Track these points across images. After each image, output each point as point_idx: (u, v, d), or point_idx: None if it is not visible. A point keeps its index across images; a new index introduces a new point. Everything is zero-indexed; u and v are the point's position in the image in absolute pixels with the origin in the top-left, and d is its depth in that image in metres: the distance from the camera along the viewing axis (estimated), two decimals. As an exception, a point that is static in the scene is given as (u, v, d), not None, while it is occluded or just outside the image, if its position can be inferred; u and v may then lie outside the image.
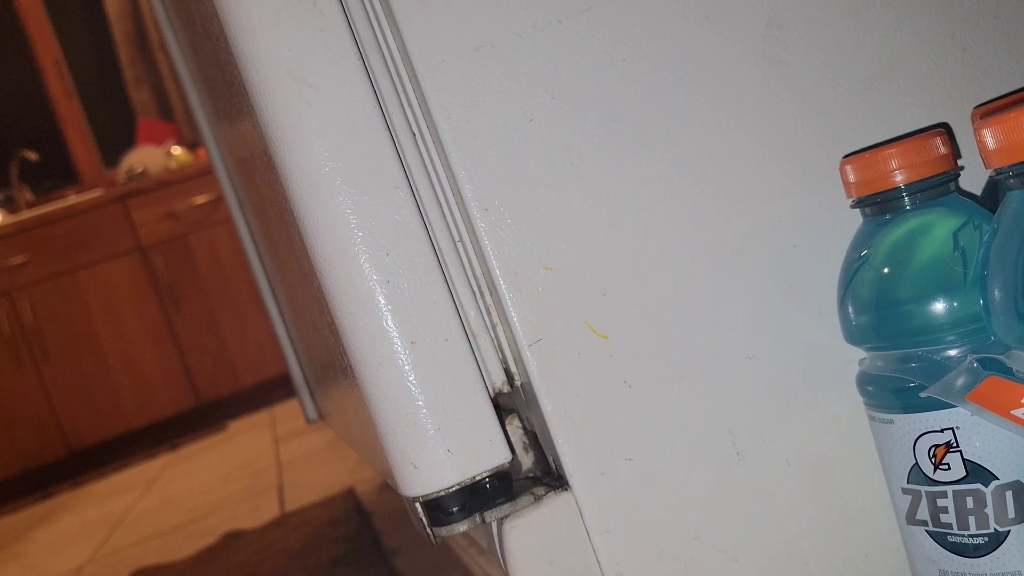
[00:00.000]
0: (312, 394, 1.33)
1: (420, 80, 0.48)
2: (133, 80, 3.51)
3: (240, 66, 0.49)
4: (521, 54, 0.49)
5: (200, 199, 3.09)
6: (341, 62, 0.47)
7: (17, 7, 3.40)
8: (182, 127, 3.49)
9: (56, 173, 3.44)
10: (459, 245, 0.50)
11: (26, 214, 3.15)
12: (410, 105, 0.49)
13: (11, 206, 3.32)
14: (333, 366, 0.71)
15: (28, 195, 3.38)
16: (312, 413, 1.34)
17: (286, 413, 2.69)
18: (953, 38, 0.54)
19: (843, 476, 0.52)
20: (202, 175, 3.08)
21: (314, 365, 1.08)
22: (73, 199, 3.17)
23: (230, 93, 0.70)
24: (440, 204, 0.50)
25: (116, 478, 2.71)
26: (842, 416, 0.52)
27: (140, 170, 3.27)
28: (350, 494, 1.43)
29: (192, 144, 3.39)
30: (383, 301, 0.47)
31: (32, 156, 3.36)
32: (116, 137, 3.47)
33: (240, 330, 3.10)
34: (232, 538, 1.46)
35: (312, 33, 0.47)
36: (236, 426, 2.90)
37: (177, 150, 3.33)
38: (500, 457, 0.49)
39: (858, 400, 0.50)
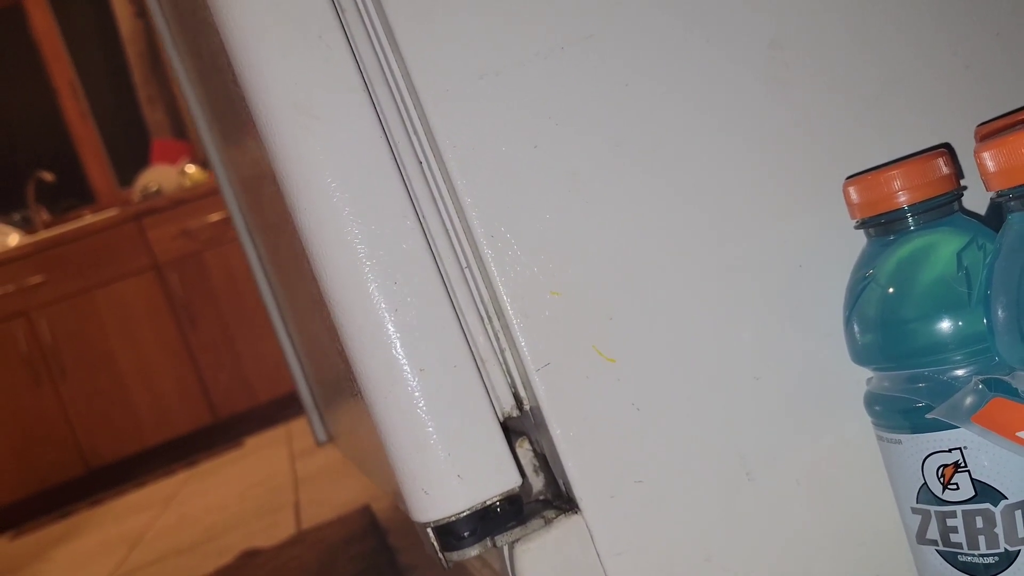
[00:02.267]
0: (321, 416, 1.33)
1: (425, 109, 0.48)
2: (147, 100, 3.54)
3: (247, 98, 0.49)
4: (525, 81, 0.49)
5: (214, 216, 3.11)
6: (347, 93, 0.48)
7: (32, 31, 3.44)
8: (196, 146, 3.52)
9: (72, 193, 3.48)
10: (466, 272, 0.51)
11: (43, 234, 3.18)
12: (416, 134, 0.50)
13: (28, 226, 3.35)
14: (343, 391, 0.72)
15: (45, 215, 3.41)
16: (322, 435, 1.34)
17: (302, 429, 2.70)
18: (956, 56, 0.54)
19: (853, 496, 0.52)
20: (216, 193, 3.09)
21: (324, 387, 1.09)
22: (89, 219, 3.20)
23: (237, 121, 0.71)
24: (447, 231, 0.50)
25: (134, 496, 2.73)
26: (851, 436, 0.52)
27: (155, 189, 3.30)
28: (366, 511, 1.43)
29: (205, 162, 3.41)
30: (392, 329, 0.48)
31: (48, 177, 3.39)
32: (131, 156, 3.50)
33: (255, 346, 3.11)
34: (249, 556, 1.46)
35: (318, 65, 0.48)
36: (253, 442, 2.91)
37: (191, 168, 3.35)
38: (510, 481, 0.49)
39: (867, 419, 0.50)
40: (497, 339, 0.51)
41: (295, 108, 0.47)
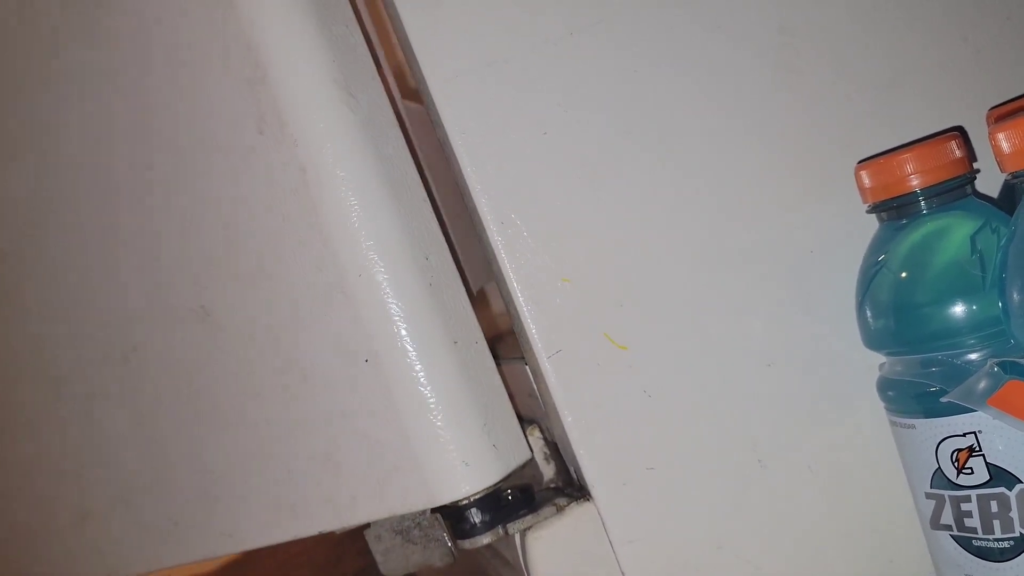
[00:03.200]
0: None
1: (433, 96, 0.48)
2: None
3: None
4: (534, 68, 0.49)
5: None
6: (372, 80, 0.48)
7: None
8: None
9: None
10: (476, 259, 0.50)
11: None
12: (425, 121, 0.50)
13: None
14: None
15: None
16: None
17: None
18: (965, 41, 0.54)
19: (866, 482, 0.52)
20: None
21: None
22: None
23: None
24: (457, 219, 0.50)
25: (139, 493, 2.73)
26: (864, 422, 0.52)
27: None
28: (372, 505, 1.43)
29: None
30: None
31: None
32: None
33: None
34: (255, 550, 1.46)
35: (347, 51, 0.47)
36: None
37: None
38: (522, 457, 0.49)
39: (879, 405, 0.50)
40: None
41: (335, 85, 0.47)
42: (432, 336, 0.47)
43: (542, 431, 0.53)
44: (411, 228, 0.47)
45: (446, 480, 0.47)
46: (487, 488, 0.47)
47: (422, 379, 0.47)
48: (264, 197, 0.47)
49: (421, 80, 0.49)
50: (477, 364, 0.48)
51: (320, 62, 0.46)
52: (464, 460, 0.47)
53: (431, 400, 0.47)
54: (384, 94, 0.48)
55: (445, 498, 0.47)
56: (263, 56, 0.45)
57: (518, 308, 0.49)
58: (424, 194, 0.48)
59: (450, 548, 0.50)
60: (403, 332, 0.46)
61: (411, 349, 0.46)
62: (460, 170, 0.48)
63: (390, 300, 0.46)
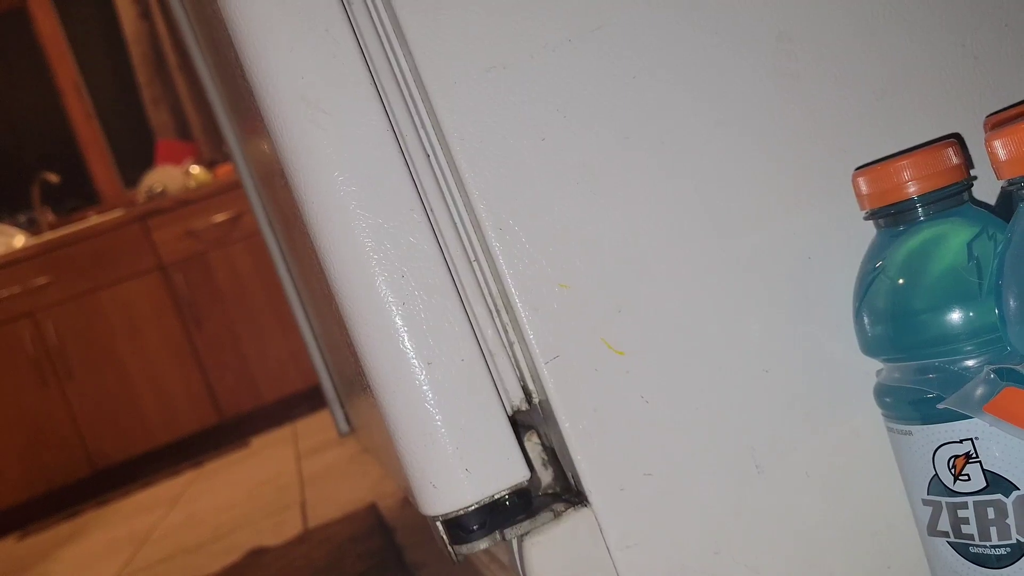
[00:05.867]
0: (343, 407, 1.34)
1: (433, 102, 0.48)
2: (151, 101, 3.55)
3: (255, 92, 0.49)
4: (532, 74, 0.49)
5: (219, 217, 3.11)
6: (354, 87, 0.48)
7: (36, 32, 3.45)
8: (200, 146, 3.52)
9: (77, 194, 3.48)
10: (475, 264, 0.50)
11: (48, 235, 3.18)
12: (423, 127, 0.50)
13: (33, 228, 3.36)
14: (355, 383, 0.72)
15: (50, 217, 3.42)
16: (344, 426, 1.35)
17: (308, 428, 2.70)
18: (964, 47, 0.54)
19: (863, 488, 0.52)
20: (221, 193, 3.11)
21: (343, 379, 1.09)
22: (94, 219, 3.21)
23: (249, 115, 0.71)
24: (455, 224, 0.50)
25: (141, 495, 2.73)
26: (861, 428, 0.52)
27: (160, 190, 3.30)
28: (372, 509, 1.43)
29: (210, 163, 3.42)
30: (399, 322, 0.48)
31: (53, 178, 3.39)
32: (135, 157, 3.51)
33: (261, 346, 3.12)
34: (256, 555, 1.47)
35: (325, 59, 0.48)
36: (258, 442, 2.92)
37: (195, 169, 3.35)
38: (518, 475, 0.49)
39: (876, 411, 0.50)
40: (506, 332, 0.51)
41: (302, 101, 0.47)
42: (398, 358, 0.48)
43: (540, 437, 0.53)
44: (385, 247, 0.47)
45: (423, 498, 0.48)
46: (455, 511, 0.48)
47: (389, 401, 0.48)
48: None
49: (419, 85, 0.49)
50: (457, 384, 0.48)
51: None
52: (432, 483, 0.47)
53: (398, 423, 0.48)
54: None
55: (425, 511, 0.48)
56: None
57: (516, 313, 0.49)
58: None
59: (449, 553, 0.50)
60: (372, 352, 0.48)
61: (379, 369, 0.48)
62: (458, 172, 0.49)
63: (360, 321, 0.47)
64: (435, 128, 0.49)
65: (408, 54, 0.49)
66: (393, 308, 0.48)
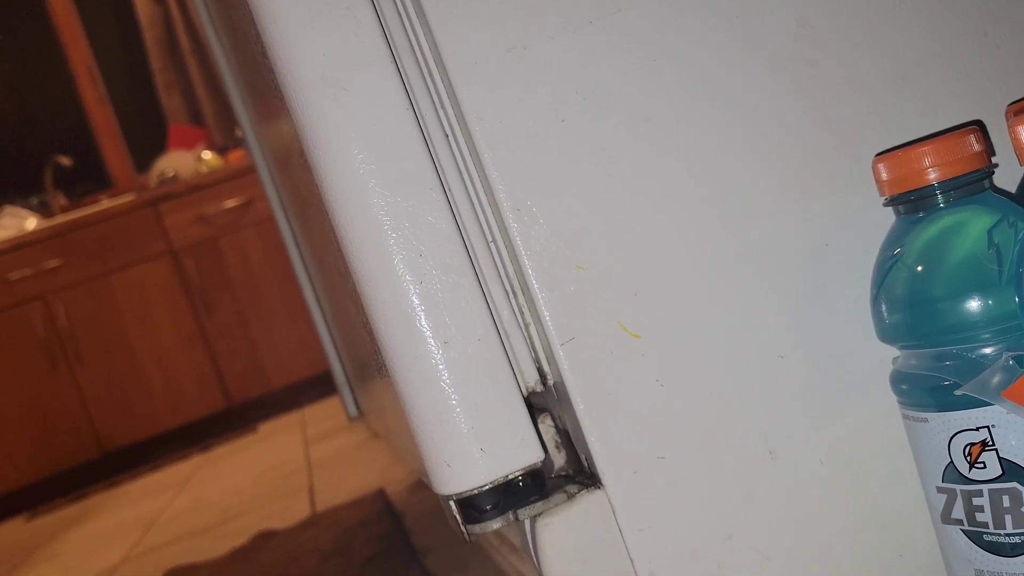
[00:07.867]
0: (353, 392, 1.34)
1: (453, 82, 0.48)
2: (164, 86, 3.55)
3: (276, 70, 0.49)
4: (552, 56, 0.49)
5: (230, 203, 3.11)
6: (375, 66, 0.48)
7: (51, 15, 3.46)
8: (212, 132, 3.53)
9: (89, 178, 3.49)
10: (492, 245, 0.50)
11: (60, 219, 3.19)
12: (443, 107, 0.50)
13: (45, 211, 3.37)
14: (370, 365, 0.72)
15: (62, 200, 3.43)
16: (353, 411, 1.35)
17: (316, 415, 2.71)
18: (986, 36, 0.54)
19: (877, 475, 0.52)
20: (232, 179, 3.12)
21: (355, 363, 1.09)
22: (106, 203, 3.21)
23: (268, 96, 0.71)
24: (473, 205, 0.50)
25: (149, 479, 2.74)
26: (876, 415, 0.52)
27: (171, 174, 3.30)
28: (380, 494, 1.44)
29: (222, 148, 3.42)
30: (416, 301, 0.48)
31: (66, 161, 3.40)
32: (148, 142, 3.51)
33: (270, 333, 3.12)
34: (264, 538, 1.47)
35: (346, 37, 0.48)
36: (266, 428, 2.93)
37: (207, 154, 3.36)
38: (533, 456, 0.49)
39: (892, 399, 0.50)
40: (522, 313, 0.51)
41: (323, 79, 0.47)
42: (414, 337, 0.48)
43: (554, 419, 0.53)
44: (403, 226, 0.47)
45: (437, 477, 0.49)
46: (469, 490, 0.48)
47: (405, 379, 0.48)
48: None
49: (440, 65, 0.49)
50: (473, 363, 0.48)
51: None
52: (446, 462, 0.48)
53: (414, 402, 0.48)
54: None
55: (439, 490, 0.48)
56: None
57: (533, 295, 0.49)
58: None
59: (462, 532, 0.50)
60: (389, 331, 0.47)
61: (395, 348, 0.48)
62: (477, 152, 0.49)
63: (377, 300, 0.47)
64: (454, 108, 0.49)
65: (428, 33, 0.49)
66: (410, 287, 0.48)
